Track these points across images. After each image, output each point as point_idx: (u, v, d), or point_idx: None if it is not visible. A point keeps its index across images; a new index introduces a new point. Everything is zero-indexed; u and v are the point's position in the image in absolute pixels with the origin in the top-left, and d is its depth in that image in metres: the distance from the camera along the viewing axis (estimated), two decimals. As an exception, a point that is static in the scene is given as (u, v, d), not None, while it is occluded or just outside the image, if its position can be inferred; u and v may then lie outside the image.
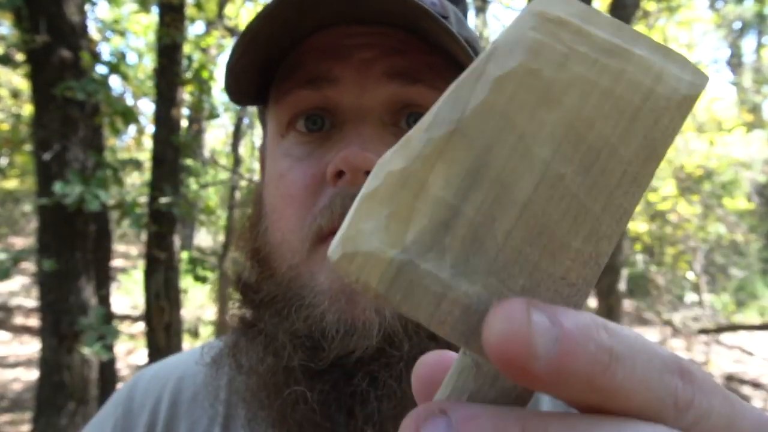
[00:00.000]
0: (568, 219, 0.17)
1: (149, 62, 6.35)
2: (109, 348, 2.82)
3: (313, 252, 0.43)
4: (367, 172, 0.40)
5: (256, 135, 10.70)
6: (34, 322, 6.71)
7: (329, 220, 0.42)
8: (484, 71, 0.17)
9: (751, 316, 7.35)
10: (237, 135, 9.09)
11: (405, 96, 0.44)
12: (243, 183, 7.37)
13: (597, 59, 0.17)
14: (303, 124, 0.46)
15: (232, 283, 0.51)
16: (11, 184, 8.98)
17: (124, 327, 6.80)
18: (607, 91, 0.17)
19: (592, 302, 4.94)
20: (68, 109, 2.60)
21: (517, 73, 0.16)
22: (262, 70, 0.47)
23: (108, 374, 3.28)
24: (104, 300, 3.04)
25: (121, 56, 3.28)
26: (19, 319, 7.10)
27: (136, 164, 3.57)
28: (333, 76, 0.44)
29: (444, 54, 0.45)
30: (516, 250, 0.16)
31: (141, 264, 5.33)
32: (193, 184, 5.38)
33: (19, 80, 5.47)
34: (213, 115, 4.19)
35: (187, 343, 5.31)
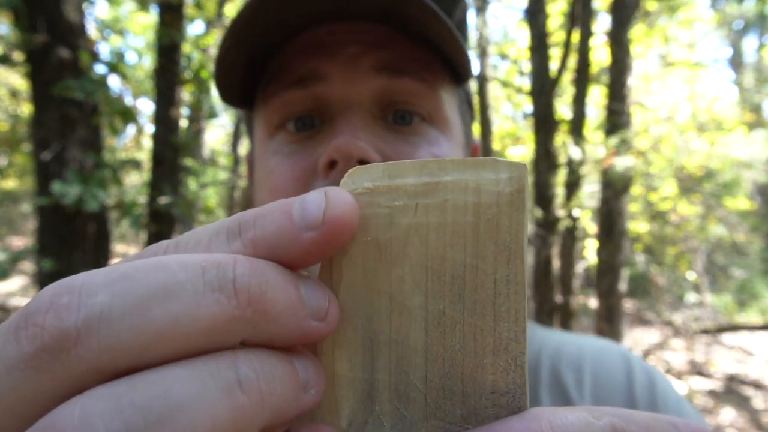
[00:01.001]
0: (468, 343, 0.18)
1: (148, 62, 6.35)
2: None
3: None
4: (360, 161, 0.40)
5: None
6: (33, 322, 6.70)
7: None
8: (332, 259, 0.19)
9: (752, 317, 7.34)
10: (237, 135, 9.08)
11: (392, 88, 0.44)
12: (242, 183, 7.36)
13: (416, 203, 0.18)
14: (293, 125, 0.46)
15: None
16: (10, 184, 8.98)
17: (124, 327, 6.80)
18: (441, 225, 0.18)
19: (593, 303, 4.93)
20: (67, 108, 2.60)
21: (357, 250, 0.18)
22: (249, 70, 0.47)
23: (107, 375, 3.27)
24: (103, 300, 3.03)
25: (120, 56, 3.28)
26: (18, 320, 7.11)
27: (136, 164, 3.56)
28: (321, 74, 0.44)
29: (427, 46, 0.46)
30: (440, 389, 0.18)
31: (140, 264, 5.29)
32: (192, 184, 5.37)
33: (18, 80, 5.46)
34: (212, 115, 4.18)
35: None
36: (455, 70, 0.49)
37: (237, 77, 0.47)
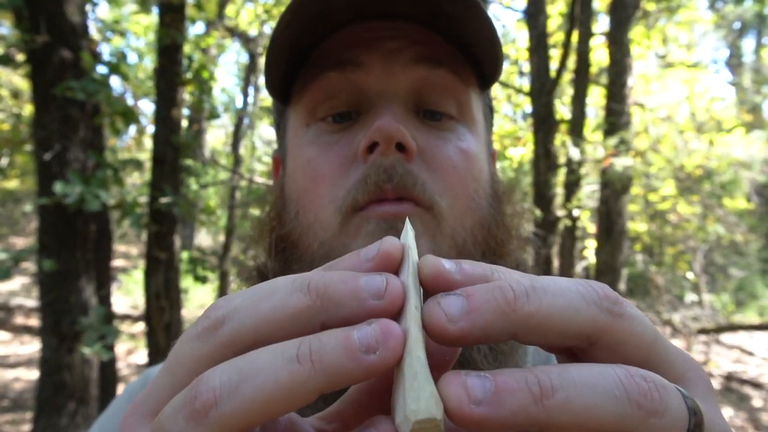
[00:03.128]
0: None
1: (149, 62, 6.35)
2: (110, 348, 2.82)
3: (346, 224, 0.44)
4: (399, 144, 0.43)
5: (256, 135, 10.69)
6: (34, 322, 6.71)
7: (364, 192, 0.43)
8: None
9: (750, 316, 7.35)
10: (237, 135, 9.08)
11: (430, 79, 0.47)
12: (243, 183, 7.36)
13: None
14: (331, 118, 0.48)
15: (251, 274, 0.51)
16: (11, 184, 8.98)
17: (124, 327, 6.80)
18: None
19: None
20: (68, 109, 2.60)
21: None
22: (293, 58, 0.48)
23: (108, 374, 3.28)
24: (104, 300, 3.04)
25: (122, 56, 3.28)
26: (19, 319, 7.10)
27: (136, 164, 3.57)
28: (360, 61, 0.46)
29: (458, 44, 0.48)
30: None
31: (141, 264, 5.33)
32: (193, 184, 5.38)
33: (20, 80, 5.47)
34: (213, 115, 4.19)
35: (187, 343, 5.29)
36: (483, 73, 0.52)
37: (283, 61, 0.48)
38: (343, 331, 0.21)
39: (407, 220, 0.29)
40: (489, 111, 0.56)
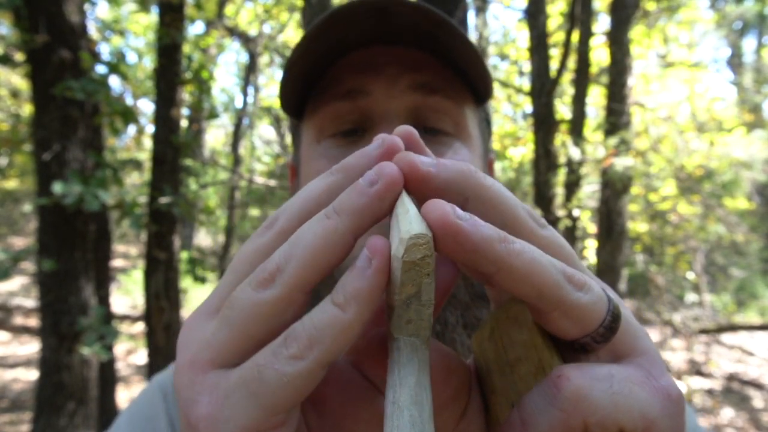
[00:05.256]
0: None
1: (149, 62, 6.35)
2: (109, 348, 2.82)
3: None
4: None
5: (255, 135, 10.69)
6: (34, 322, 6.70)
7: None
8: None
9: (751, 316, 7.35)
10: (237, 135, 9.09)
11: (425, 104, 0.53)
12: (243, 183, 7.36)
13: None
14: (339, 134, 0.54)
15: None
16: (11, 184, 8.98)
17: (124, 327, 6.80)
18: None
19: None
20: (68, 109, 2.60)
21: None
22: (305, 82, 0.55)
23: (108, 374, 3.27)
24: (104, 300, 3.03)
25: (121, 56, 3.28)
26: (19, 319, 7.10)
27: (136, 164, 3.57)
28: (365, 90, 0.53)
29: (454, 69, 0.55)
30: None
31: (141, 264, 5.32)
32: (193, 184, 5.37)
33: (19, 80, 5.47)
34: (213, 115, 4.18)
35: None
36: (477, 92, 0.58)
37: (297, 87, 0.55)
38: (354, 183, 0.25)
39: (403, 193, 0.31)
40: (485, 124, 0.63)
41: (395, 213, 0.25)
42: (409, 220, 0.24)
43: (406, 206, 0.25)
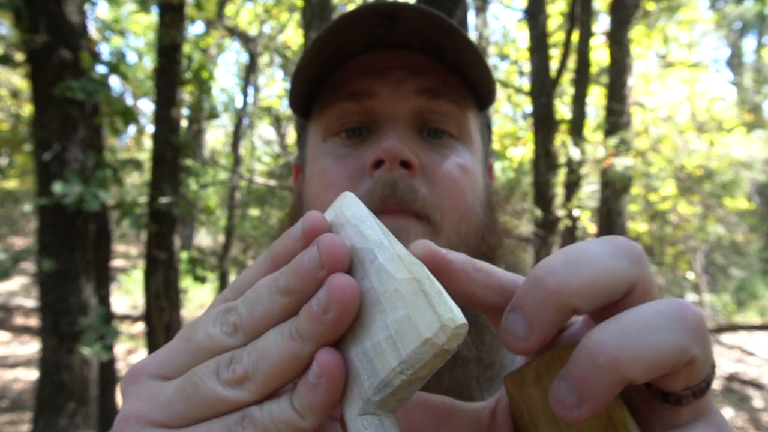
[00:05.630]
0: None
1: (149, 62, 6.35)
2: (109, 348, 2.82)
3: None
4: (403, 162, 0.50)
5: (255, 135, 10.69)
6: (34, 322, 6.70)
7: (369, 204, 0.48)
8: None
9: (751, 316, 7.35)
10: (237, 135, 9.08)
11: (430, 107, 0.54)
12: (243, 183, 7.36)
13: None
14: (344, 133, 0.55)
15: None
16: (11, 184, 8.98)
17: (124, 327, 6.80)
18: None
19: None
20: (68, 109, 2.60)
21: None
22: (313, 83, 0.57)
23: (108, 374, 3.27)
24: (104, 300, 3.03)
25: (121, 56, 3.28)
26: (19, 319, 7.10)
27: (136, 164, 3.57)
28: (372, 91, 0.54)
29: (458, 74, 0.56)
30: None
31: (141, 264, 5.32)
32: (192, 184, 5.37)
33: (19, 80, 5.47)
34: (213, 115, 4.18)
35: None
36: (480, 97, 0.59)
37: (305, 88, 0.57)
38: (307, 305, 0.25)
39: (345, 194, 0.31)
40: (486, 129, 0.64)
41: (415, 279, 0.24)
42: (448, 305, 0.22)
43: (435, 285, 0.23)
